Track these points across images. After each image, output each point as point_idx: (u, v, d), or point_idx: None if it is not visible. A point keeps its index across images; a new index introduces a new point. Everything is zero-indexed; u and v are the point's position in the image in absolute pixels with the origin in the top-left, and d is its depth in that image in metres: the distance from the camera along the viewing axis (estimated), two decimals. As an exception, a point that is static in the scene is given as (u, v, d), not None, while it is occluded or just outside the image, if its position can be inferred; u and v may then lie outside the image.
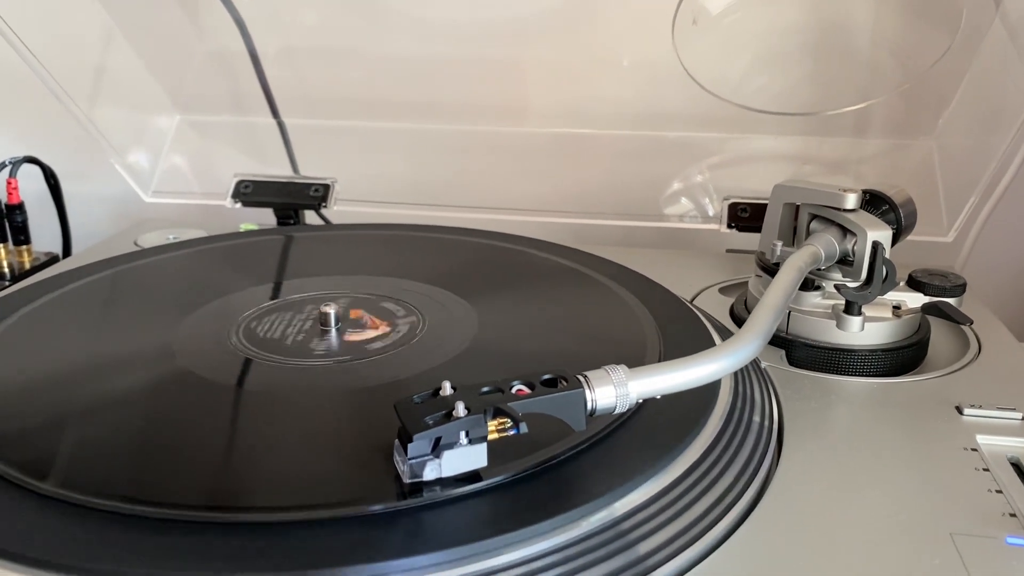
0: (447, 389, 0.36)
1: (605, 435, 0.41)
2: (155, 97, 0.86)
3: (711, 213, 0.79)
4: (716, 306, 0.64)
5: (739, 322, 0.61)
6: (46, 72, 0.74)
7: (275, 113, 0.82)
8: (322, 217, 0.78)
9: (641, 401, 0.39)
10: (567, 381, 0.37)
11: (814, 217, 0.58)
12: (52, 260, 0.85)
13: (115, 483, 0.36)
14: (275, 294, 0.58)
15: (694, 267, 0.71)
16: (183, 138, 0.87)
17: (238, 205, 0.77)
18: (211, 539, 0.33)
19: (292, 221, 0.77)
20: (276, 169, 0.83)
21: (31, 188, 0.89)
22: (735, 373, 0.48)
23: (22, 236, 0.84)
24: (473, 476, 0.36)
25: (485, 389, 0.37)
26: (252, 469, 0.39)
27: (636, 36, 0.76)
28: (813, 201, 0.58)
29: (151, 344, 0.50)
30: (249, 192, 0.77)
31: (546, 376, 0.37)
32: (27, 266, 0.84)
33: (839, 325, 0.54)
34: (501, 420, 0.36)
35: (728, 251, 0.74)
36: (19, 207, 0.83)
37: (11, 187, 0.83)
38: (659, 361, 0.48)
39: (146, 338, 0.51)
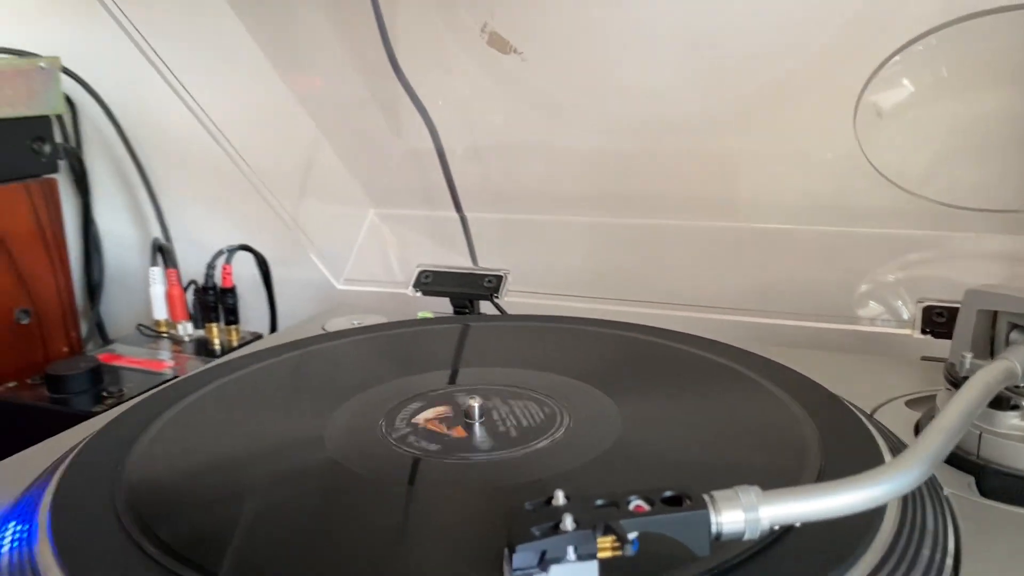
0: (560, 499, 0.35)
1: (739, 562, 0.37)
2: (352, 192, 0.92)
3: (906, 316, 0.73)
4: (901, 421, 0.58)
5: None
6: (254, 174, 0.83)
7: (458, 207, 0.86)
8: (497, 307, 0.80)
9: (777, 528, 0.36)
10: (691, 500, 0.35)
11: (1014, 327, 0.52)
12: (256, 339, 0.92)
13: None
14: (429, 383, 0.59)
15: (882, 375, 0.65)
16: (375, 230, 0.93)
17: (419, 294, 0.80)
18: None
19: (467, 310, 0.79)
20: (458, 260, 0.86)
21: (245, 272, 0.98)
22: (905, 499, 0.44)
23: (232, 316, 0.93)
24: (584, 595, 0.35)
25: (600, 502, 0.35)
26: (380, 567, 0.39)
27: (823, 128, 0.73)
28: (1013, 309, 0.52)
29: (305, 431, 0.52)
30: (429, 282, 0.80)
31: (668, 493, 0.35)
32: (234, 344, 0.92)
33: (1039, 452, 0.47)
34: (618, 537, 0.34)
35: (923, 359, 0.68)
36: (231, 291, 0.92)
37: (226, 272, 0.92)
38: (816, 480, 0.44)
39: (302, 424, 0.54)
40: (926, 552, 0.41)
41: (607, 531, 0.34)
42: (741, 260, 0.82)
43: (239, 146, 0.82)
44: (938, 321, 0.67)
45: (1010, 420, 0.50)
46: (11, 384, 0.81)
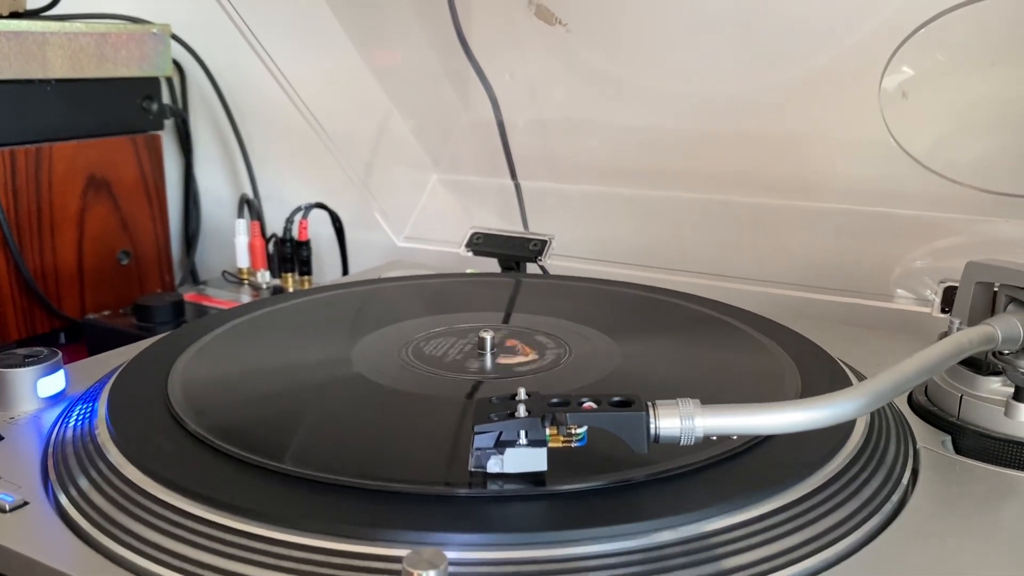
0: (521, 395, 0.40)
1: (684, 469, 0.42)
2: (418, 158, 0.99)
3: (932, 297, 0.74)
4: (900, 387, 0.60)
5: (916, 408, 0.57)
6: (329, 139, 0.90)
7: (513, 176, 0.91)
8: (542, 268, 0.85)
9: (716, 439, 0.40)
10: (635, 404, 0.39)
11: (1012, 300, 0.54)
12: (325, 290, 1.00)
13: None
14: (454, 321, 0.65)
15: (895, 349, 0.67)
16: (436, 193, 0.99)
17: (469, 253, 0.86)
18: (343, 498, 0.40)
19: (514, 271, 0.85)
20: (510, 225, 0.91)
21: (324, 231, 1.06)
22: (872, 442, 0.47)
23: (306, 268, 1.00)
24: (537, 480, 0.39)
25: (554, 400, 0.40)
26: (383, 450, 0.46)
27: (866, 111, 0.75)
28: (1008, 281, 0.53)
29: (337, 350, 0.59)
30: (480, 243, 0.86)
31: (617, 398, 0.40)
32: (305, 293, 0.99)
33: (1007, 412, 0.49)
34: (570, 431, 0.39)
35: (940, 336, 0.69)
36: (306, 244, 1.00)
37: (302, 227, 1.00)
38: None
39: (335, 345, 0.60)
40: (874, 484, 0.44)
41: (554, 422, 0.38)
42: (781, 236, 0.85)
43: (317, 113, 0.90)
44: (957, 301, 0.68)
45: (990, 385, 0.52)
46: (106, 312, 0.91)
